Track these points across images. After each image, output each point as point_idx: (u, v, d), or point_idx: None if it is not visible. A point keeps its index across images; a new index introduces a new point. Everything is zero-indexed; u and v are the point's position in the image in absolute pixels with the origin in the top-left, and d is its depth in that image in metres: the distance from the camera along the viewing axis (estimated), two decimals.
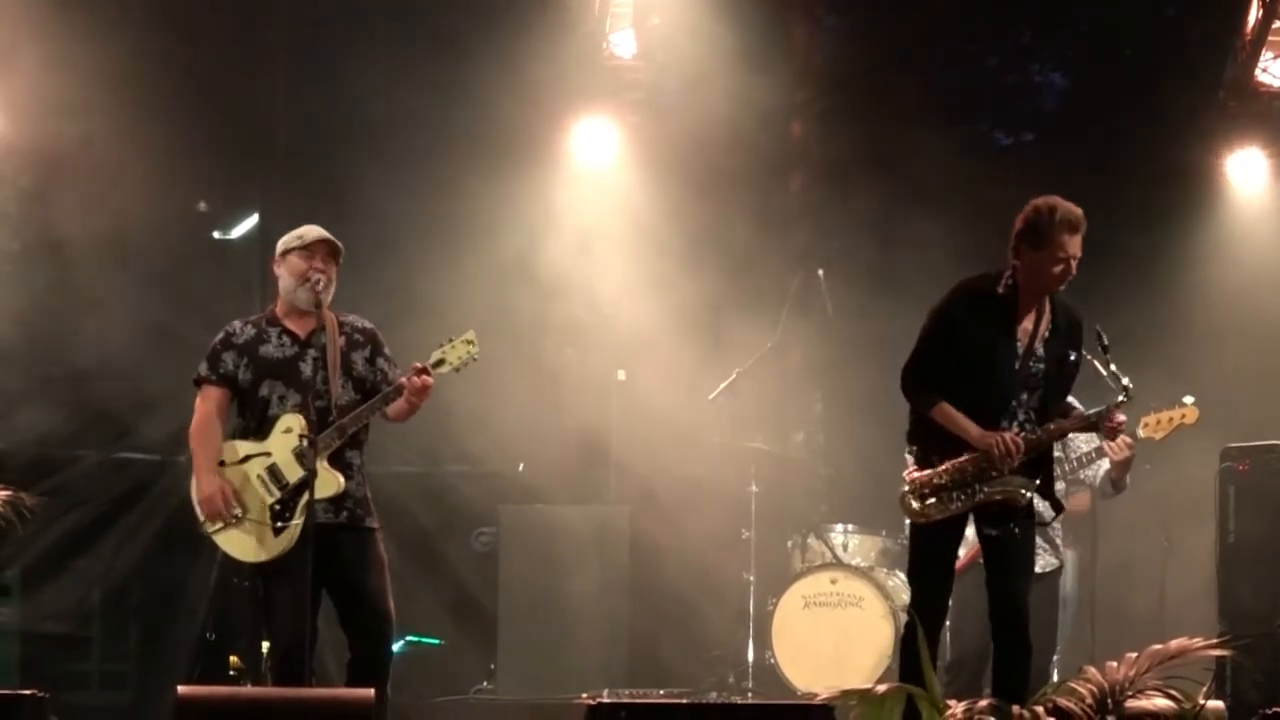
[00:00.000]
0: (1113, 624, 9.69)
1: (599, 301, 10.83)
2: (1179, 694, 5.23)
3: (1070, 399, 7.31)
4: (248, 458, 7.21)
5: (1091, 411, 7.13)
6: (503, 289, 10.78)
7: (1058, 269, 6.83)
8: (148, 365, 10.02)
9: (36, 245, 10.42)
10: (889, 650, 9.53)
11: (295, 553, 7.08)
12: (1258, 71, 11.16)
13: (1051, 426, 6.96)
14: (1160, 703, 5.23)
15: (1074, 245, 6.82)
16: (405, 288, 10.41)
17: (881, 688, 5.28)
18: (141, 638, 10.81)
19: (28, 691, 6.32)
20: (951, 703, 5.31)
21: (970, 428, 6.84)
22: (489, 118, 10.69)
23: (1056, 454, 7.58)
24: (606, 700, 6.23)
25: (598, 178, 11.26)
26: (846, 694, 5.38)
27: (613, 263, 10.86)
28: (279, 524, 7.14)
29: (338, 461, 7.18)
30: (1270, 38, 11.03)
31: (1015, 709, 5.22)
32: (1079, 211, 6.84)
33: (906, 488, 6.95)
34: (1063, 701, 5.23)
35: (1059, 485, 7.97)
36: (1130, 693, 5.24)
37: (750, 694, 9.98)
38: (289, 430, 7.17)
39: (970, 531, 7.13)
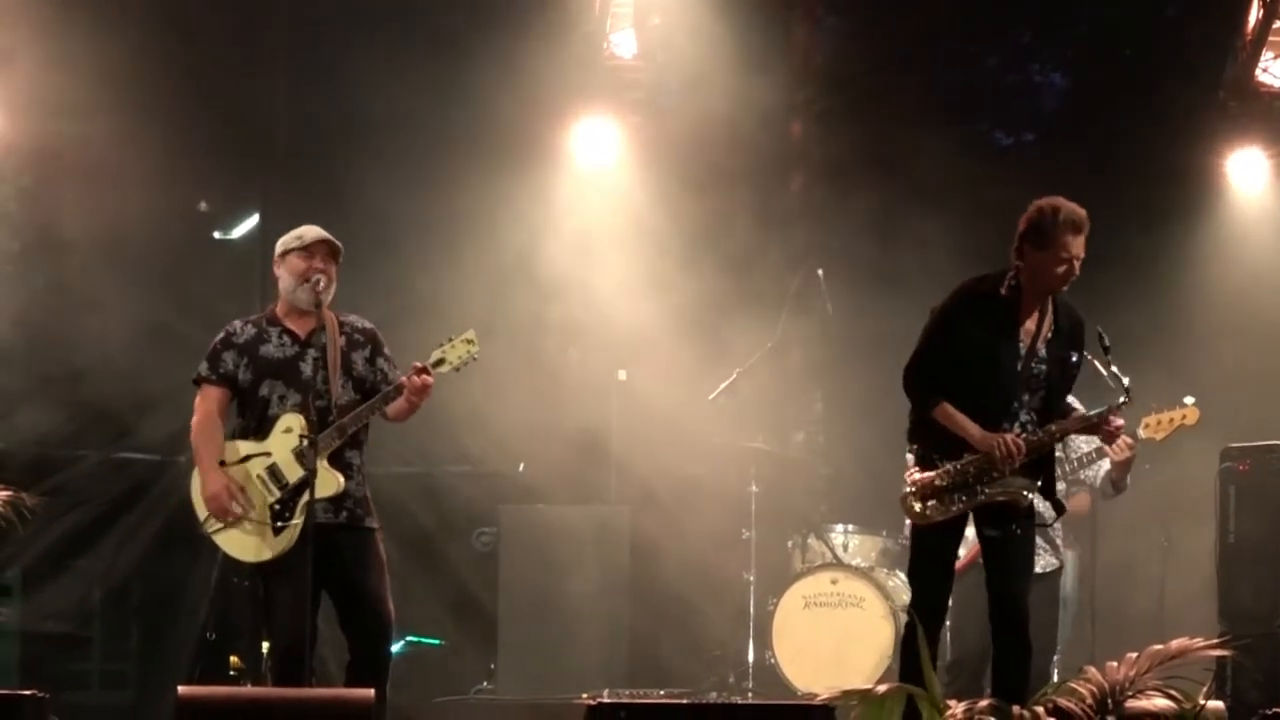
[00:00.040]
0: (1113, 624, 9.69)
1: (599, 301, 10.83)
2: (1179, 694, 5.23)
3: (1070, 399, 7.31)
4: (248, 457, 7.22)
5: (1093, 412, 7.13)
6: (503, 289, 10.79)
7: (1061, 269, 6.82)
8: (148, 365, 10.02)
9: (37, 245, 10.42)
10: (889, 650, 9.53)
11: (295, 552, 7.08)
12: (1258, 71, 11.16)
13: (1053, 428, 6.96)
14: (1160, 703, 5.23)
15: (1077, 246, 6.82)
16: (405, 287, 10.41)
17: (882, 688, 5.28)
18: (142, 638, 10.82)
19: (28, 691, 6.32)
20: (952, 703, 5.31)
21: (972, 429, 6.83)
22: (489, 118, 10.69)
23: (1057, 454, 7.57)
24: (607, 700, 6.23)
25: (598, 178, 11.26)
26: (847, 694, 5.38)
27: (613, 262, 10.86)
28: (279, 524, 7.14)
29: (338, 461, 7.19)
30: (1271, 38, 11.03)
31: (1015, 709, 5.22)
32: (1082, 212, 6.83)
33: (908, 489, 6.95)
34: (1063, 701, 5.23)
35: (1059, 486, 7.97)
36: (1130, 693, 5.25)
37: (750, 694, 9.98)
38: (289, 430, 7.18)
39: (970, 531, 7.13)
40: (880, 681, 7.69)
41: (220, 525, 7.20)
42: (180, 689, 6.19)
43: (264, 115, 10.86)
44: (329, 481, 7.11)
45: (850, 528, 10.23)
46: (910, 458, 7.09)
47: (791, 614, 9.81)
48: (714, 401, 10.53)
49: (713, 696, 10.03)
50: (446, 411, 9.42)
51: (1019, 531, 6.93)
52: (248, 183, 11.06)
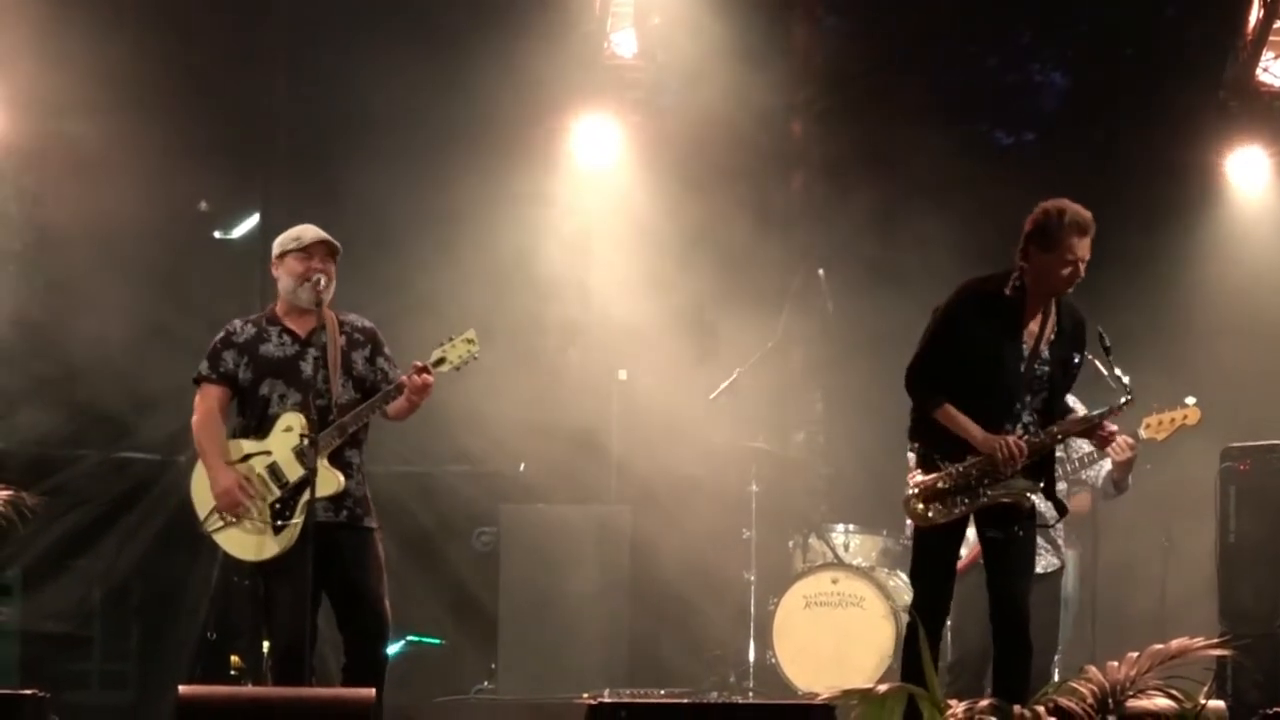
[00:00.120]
0: (1114, 624, 9.69)
1: (599, 301, 10.83)
2: (1180, 694, 5.23)
3: (1068, 399, 7.31)
4: (248, 456, 7.23)
5: (1095, 413, 7.13)
6: (503, 288, 10.79)
7: (1066, 271, 6.82)
8: (148, 365, 10.02)
9: (37, 245, 10.42)
10: (890, 650, 9.53)
11: (295, 551, 7.09)
12: (1258, 71, 11.15)
13: (1055, 429, 6.95)
14: (1161, 702, 5.23)
15: (1083, 248, 6.81)
16: (405, 286, 10.41)
17: (883, 687, 5.28)
18: (142, 637, 10.82)
19: (28, 691, 6.32)
20: (952, 702, 5.31)
21: (974, 430, 6.83)
22: (489, 117, 10.69)
23: (1058, 454, 7.56)
24: (607, 700, 6.23)
25: (598, 177, 11.25)
26: (848, 694, 5.38)
27: (613, 262, 10.86)
28: (279, 522, 7.15)
29: (338, 460, 7.19)
30: (1271, 37, 11.02)
31: (1016, 709, 5.22)
32: (1088, 214, 6.82)
33: (910, 491, 6.94)
34: (1064, 701, 5.23)
35: (1060, 485, 7.97)
36: (1131, 692, 5.24)
37: (751, 694, 9.98)
38: (289, 429, 7.18)
39: (971, 532, 7.13)
40: (881, 681, 7.69)
41: (220, 524, 7.20)
42: (181, 688, 6.19)
43: (264, 115, 10.86)
44: (329, 480, 7.11)
45: (851, 527, 10.23)
46: (912, 458, 7.09)
47: (792, 614, 9.81)
48: (714, 401, 10.53)
49: (713, 696, 10.03)
50: (447, 411, 9.42)
51: (1021, 533, 6.92)
52: (248, 182, 11.06)
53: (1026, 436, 6.87)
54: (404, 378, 7.22)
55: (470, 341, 7.31)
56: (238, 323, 7.40)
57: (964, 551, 7.34)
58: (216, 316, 7.89)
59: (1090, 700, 5.22)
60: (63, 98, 9.93)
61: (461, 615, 10.83)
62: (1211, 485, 8.95)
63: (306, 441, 7.09)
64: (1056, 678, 8.04)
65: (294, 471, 7.16)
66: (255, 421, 7.27)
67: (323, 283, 7.24)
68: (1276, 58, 11.14)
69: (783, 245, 11.33)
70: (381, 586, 7.25)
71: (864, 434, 10.76)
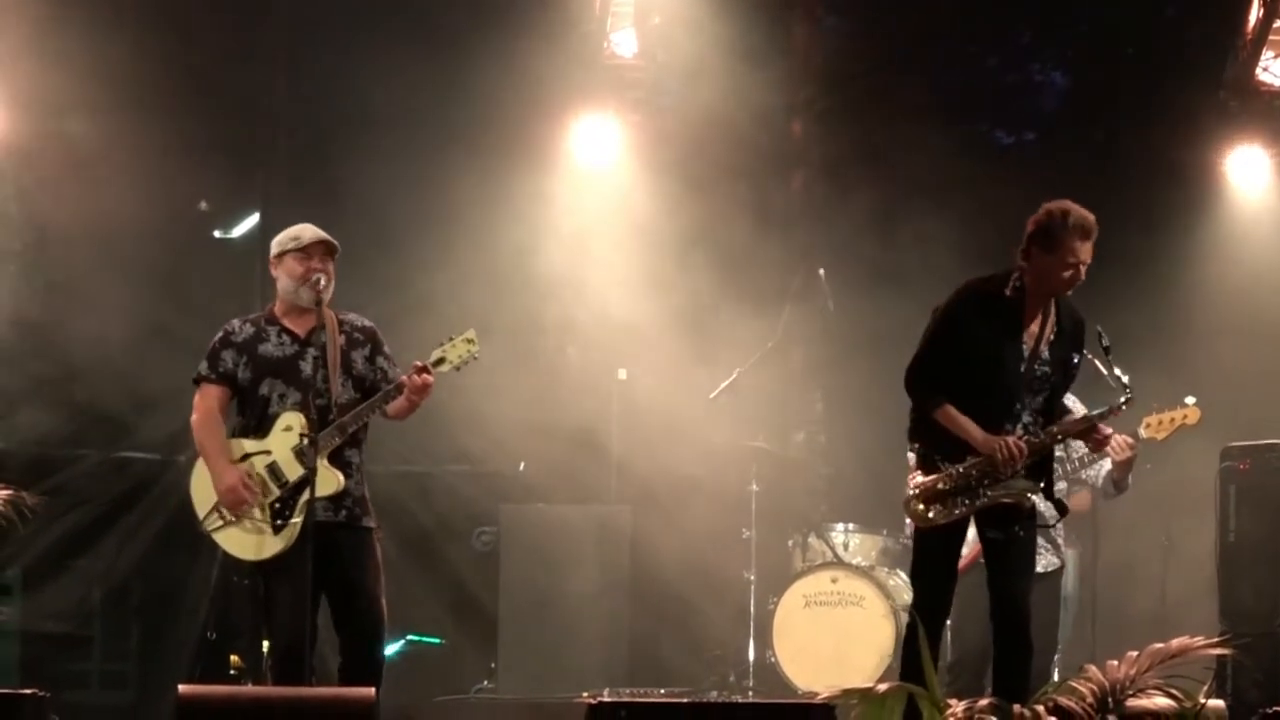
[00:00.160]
0: (1114, 623, 9.69)
1: (599, 300, 10.83)
2: (1180, 693, 5.23)
3: (1067, 400, 7.31)
4: (248, 455, 7.22)
5: (1095, 412, 7.13)
6: (503, 287, 10.78)
7: (1067, 274, 6.81)
8: (148, 365, 10.03)
9: (37, 245, 10.42)
10: (890, 649, 9.53)
11: (295, 551, 7.09)
12: (1258, 71, 11.15)
13: (1055, 429, 6.95)
14: (1161, 702, 5.23)
15: (1085, 251, 6.80)
16: (405, 286, 10.42)
17: (882, 687, 5.28)
18: (142, 637, 10.82)
19: (28, 691, 6.32)
20: (952, 702, 5.31)
21: (974, 431, 6.82)
22: (489, 117, 10.69)
23: (1058, 454, 7.57)
24: (607, 699, 6.23)
25: (598, 177, 11.25)
26: (847, 693, 5.38)
27: (613, 261, 10.86)
28: (279, 522, 7.15)
29: (337, 460, 7.19)
30: (1271, 37, 11.02)
31: (1016, 708, 5.22)
32: (1091, 217, 6.82)
33: (911, 492, 6.94)
34: (1064, 700, 5.23)
35: (1060, 485, 7.97)
36: (1131, 692, 5.25)
37: (751, 693, 9.98)
38: (289, 428, 7.18)
39: (971, 531, 7.12)
40: (881, 680, 7.68)
41: (220, 523, 7.21)
42: (181, 688, 6.19)
43: (264, 114, 10.87)
44: (329, 480, 7.11)
45: (851, 527, 10.23)
46: (912, 458, 7.09)
47: (792, 613, 9.81)
48: (714, 401, 10.53)
49: (713, 696, 10.03)
50: (447, 410, 9.42)
51: (1021, 533, 6.92)
52: (248, 182, 11.06)
53: (1026, 437, 6.87)
54: (404, 378, 7.22)
55: (470, 341, 7.31)
56: (236, 322, 7.40)
57: (964, 551, 7.33)
58: (216, 316, 7.88)
59: (1090, 699, 5.22)
60: (63, 97, 9.93)
61: (461, 615, 10.83)
62: (1211, 484, 8.95)
63: (306, 441, 7.09)
64: (1056, 677, 8.04)
65: (294, 471, 7.16)
66: (255, 421, 7.27)
67: (322, 282, 7.24)
68: (1276, 57, 11.14)
69: (783, 245, 11.33)
70: (379, 587, 7.25)
71: (864, 434, 10.76)
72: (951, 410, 6.84)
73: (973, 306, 6.91)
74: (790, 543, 10.26)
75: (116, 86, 9.79)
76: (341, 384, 7.27)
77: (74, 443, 10.54)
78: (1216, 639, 5.63)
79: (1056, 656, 8.74)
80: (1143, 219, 11.08)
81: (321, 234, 7.34)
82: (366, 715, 6.15)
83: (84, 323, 10.09)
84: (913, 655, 6.69)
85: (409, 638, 10.64)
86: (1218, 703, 6.30)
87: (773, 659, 9.80)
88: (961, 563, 7.24)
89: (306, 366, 7.23)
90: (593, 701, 6.13)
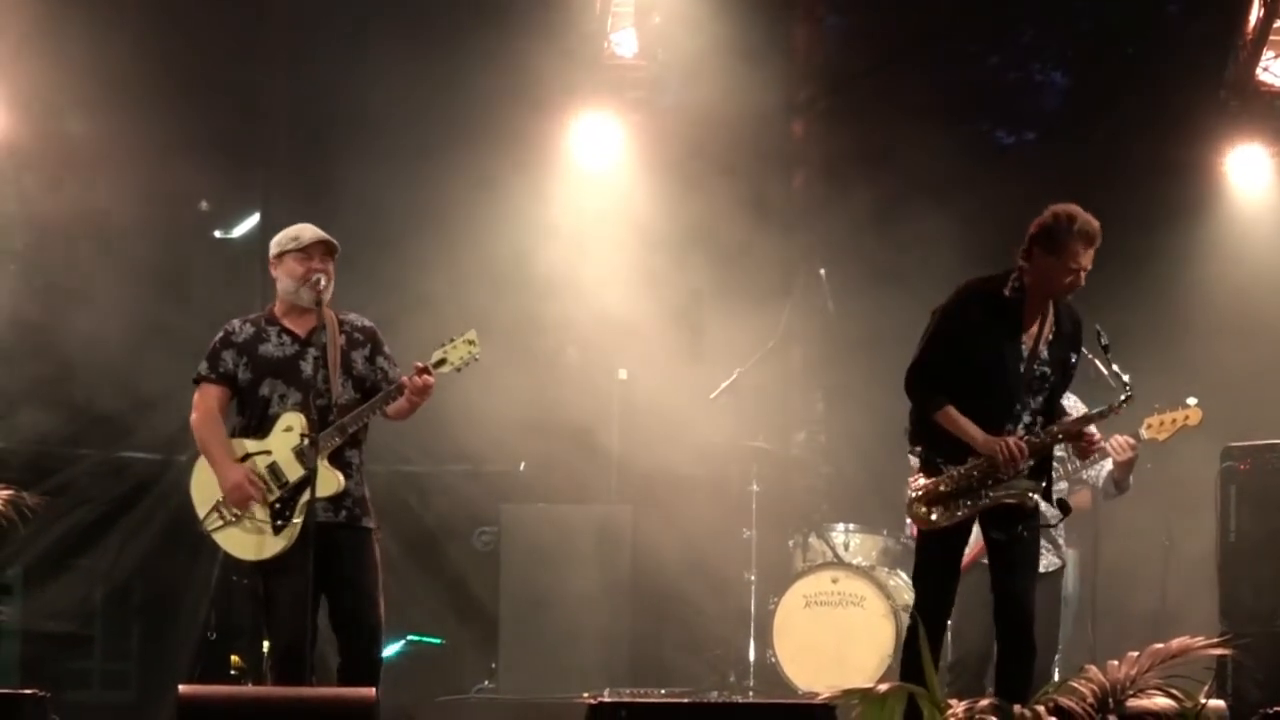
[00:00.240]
0: (1114, 623, 9.69)
1: (599, 300, 10.82)
2: (1180, 693, 5.24)
3: (1066, 400, 7.30)
4: (248, 456, 7.22)
5: (1094, 410, 7.13)
6: (503, 287, 10.78)
7: (1068, 279, 6.82)
8: (148, 365, 10.03)
9: (37, 245, 10.42)
10: (890, 649, 9.53)
11: (295, 551, 7.09)
12: (1259, 70, 11.15)
13: (1055, 429, 6.95)
14: (1161, 702, 5.23)
15: (1087, 258, 6.81)
16: (405, 285, 10.41)
17: (883, 687, 5.28)
18: (143, 637, 10.83)
19: (29, 690, 6.33)
20: (953, 702, 5.31)
21: (975, 433, 6.82)
22: (490, 116, 10.69)
23: (1059, 454, 7.57)
24: (608, 699, 6.23)
25: (599, 176, 11.25)
26: (848, 693, 5.38)
27: (614, 261, 10.85)
28: (279, 522, 7.15)
29: (337, 460, 7.19)
30: (1271, 37, 11.02)
31: (1017, 708, 5.22)
32: (1096, 224, 6.81)
33: (913, 495, 6.94)
34: (1064, 700, 5.23)
35: (1062, 485, 7.97)
36: (1131, 692, 5.25)
37: (751, 693, 9.98)
38: (289, 429, 7.18)
39: (974, 530, 7.11)
40: (881, 680, 7.68)
41: (220, 523, 7.21)
42: (181, 688, 6.20)
43: (264, 114, 10.87)
44: (329, 480, 7.11)
45: (851, 527, 10.23)
46: (914, 461, 7.08)
47: (792, 613, 9.81)
48: (715, 400, 10.53)
49: (714, 696, 10.03)
50: (447, 410, 9.42)
51: (1024, 533, 6.92)
52: (248, 181, 11.06)
53: (1027, 437, 6.87)
54: (405, 379, 7.22)
55: (471, 343, 7.30)
56: (236, 323, 7.40)
57: (965, 550, 7.33)
58: (217, 316, 7.89)
59: (1090, 699, 5.22)
60: (63, 97, 9.94)
61: (462, 615, 10.83)
62: (1212, 484, 8.94)
63: (307, 441, 7.09)
64: (1057, 677, 8.03)
65: (294, 471, 7.16)
66: (255, 421, 7.27)
67: (323, 282, 7.24)
68: (1277, 57, 11.14)
69: (783, 244, 11.32)
70: (378, 587, 7.24)
71: (864, 433, 10.76)
72: (952, 411, 6.84)
73: (973, 306, 6.91)
74: (791, 543, 10.26)
75: (116, 86, 9.79)
76: (342, 384, 7.27)
77: (74, 442, 10.54)
78: (1217, 639, 5.64)
79: (1057, 656, 8.73)
80: (1143, 218, 11.08)
81: (321, 234, 7.34)
82: (366, 715, 6.16)
83: (84, 323, 10.09)
84: (914, 656, 6.69)
85: (410, 638, 10.64)
86: (1218, 703, 6.31)
87: (773, 659, 9.80)
88: (963, 561, 7.24)
89: (307, 367, 7.23)
90: (593, 701, 6.13)
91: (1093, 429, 7.09)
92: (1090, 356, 7.34)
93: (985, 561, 7.15)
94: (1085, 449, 7.13)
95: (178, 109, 10.18)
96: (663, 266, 10.76)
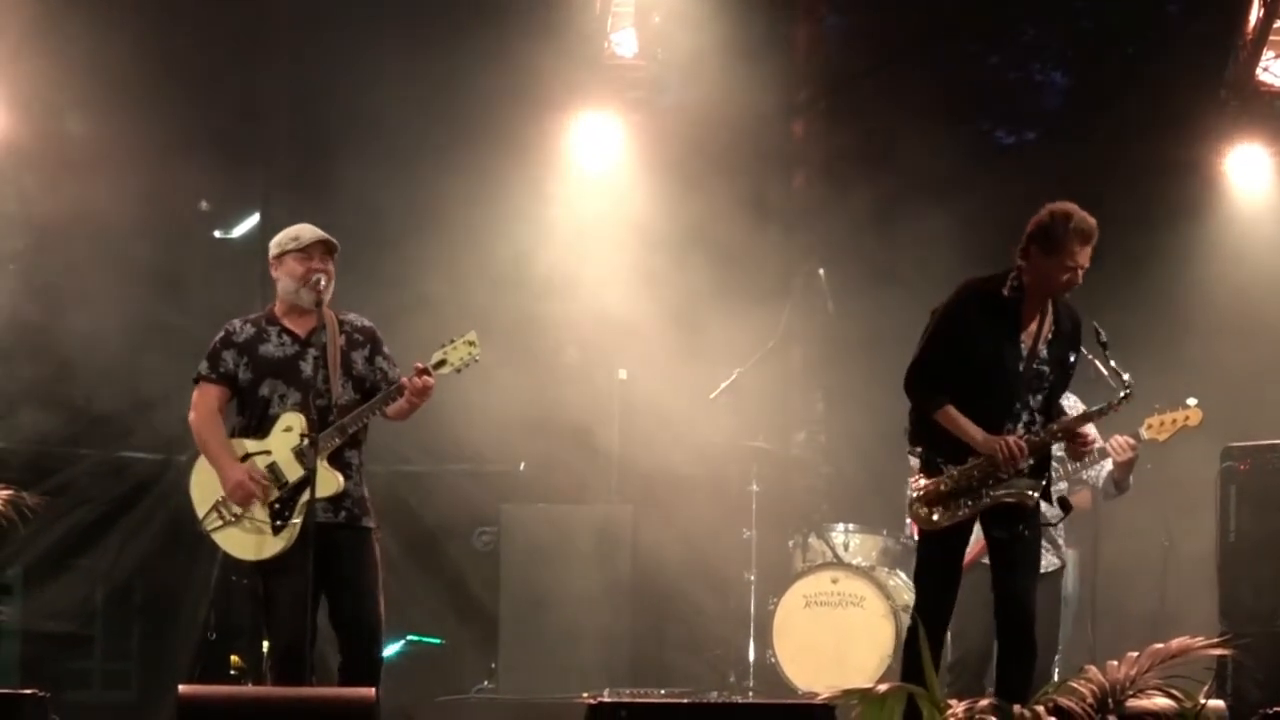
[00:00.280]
0: (1114, 623, 9.69)
1: (599, 300, 10.82)
2: (1180, 693, 5.24)
3: (1066, 400, 7.30)
4: (248, 456, 7.22)
5: (1094, 408, 7.13)
6: (503, 287, 10.78)
7: (1065, 277, 6.82)
8: (148, 365, 10.03)
9: (37, 245, 10.42)
10: (890, 649, 9.53)
11: (295, 551, 7.09)
12: (1259, 71, 11.16)
13: (1054, 427, 6.95)
14: (1161, 702, 5.23)
15: (1084, 256, 6.81)
16: (405, 284, 10.41)
17: (883, 687, 5.28)
18: (143, 637, 10.82)
19: (30, 690, 6.33)
20: (953, 702, 5.32)
21: (974, 432, 6.83)
22: (490, 116, 10.69)
23: (1059, 454, 7.57)
24: (607, 699, 6.24)
25: (599, 176, 11.25)
26: (848, 693, 5.39)
27: (614, 261, 10.85)
28: (278, 522, 7.15)
29: (337, 461, 7.19)
30: (1271, 37, 11.03)
31: (1016, 708, 5.22)
32: (1093, 222, 6.82)
33: (914, 495, 6.95)
34: (1064, 701, 5.23)
35: (1061, 485, 7.97)
36: (1131, 692, 5.25)
37: (751, 693, 9.98)
38: (289, 429, 7.18)
39: (975, 529, 7.11)
40: (881, 681, 7.68)
41: (219, 523, 7.21)
42: (181, 688, 6.20)
43: (264, 114, 10.86)
44: (329, 481, 7.11)
45: (851, 527, 10.23)
46: (914, 461, 7.08)
47: (792, 613, 9.81)
48: (715, 400, 10.53)
49: (713, 696, 10.03)
50: (447, 410, 9.42)
51: (1026, 532, 6.92)
52: (248, 182, 11.06)
53: (1026, 436, 6.87)
54: (404, 379, 7.22)
55: (471, 344, 7.30)
56: (237, 322, 7.40)
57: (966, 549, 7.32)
58: (217, 316, 7.88)
59: (1090, 700, 5.23)
60: (63, 97, 9.94)
61: (462, 615, 10.83)
62: (1212, 484, 8.95)
63: (306, 442, 7.09)
64: (1057, 677, 8.03)
65: (293, 472, 7.16)
66: (255, 421, 7.27)
67: (323, 282, 7.24)
68: (1277, 57, 11.14)
69: (783, 244, 11.32)
70: (378, 587, 7.24)
71: (864, 434, 10.76)
72: (952, 411, 6.85)
73: (971, 306, 6.92)
74: (791, 543, 10.26)
75: (116, 86, 9.79)
76: (342, 385, 7.27)
77: (74, 442, 10.54)
78: (1217, 639, 5.64)
79: (1057, 657, 8.74)
80: (1143, 218, 11.08)
81: (321, 234, 7.34)
82: (367, 715, 6.16)
83: (84, 322, 10.08)
84: (914, 656, 6.69)
85: (409, 638, 10.64)
86: (1218, 703, 6.31)
87: (773, 659, 9.80)
88: (963, 561, 7.24)
89: (307, 367, 7.23)
90: (593, 702, 6.14)
91: (1088, 429, 7.08)
92: (1090, 357, 7.34)
93: (986, 561, 7.15)
94: (1078, 450, 7.11)
95: (178, 109, 10.17)
96: (663, 266, 10.76)
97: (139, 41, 9.93)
